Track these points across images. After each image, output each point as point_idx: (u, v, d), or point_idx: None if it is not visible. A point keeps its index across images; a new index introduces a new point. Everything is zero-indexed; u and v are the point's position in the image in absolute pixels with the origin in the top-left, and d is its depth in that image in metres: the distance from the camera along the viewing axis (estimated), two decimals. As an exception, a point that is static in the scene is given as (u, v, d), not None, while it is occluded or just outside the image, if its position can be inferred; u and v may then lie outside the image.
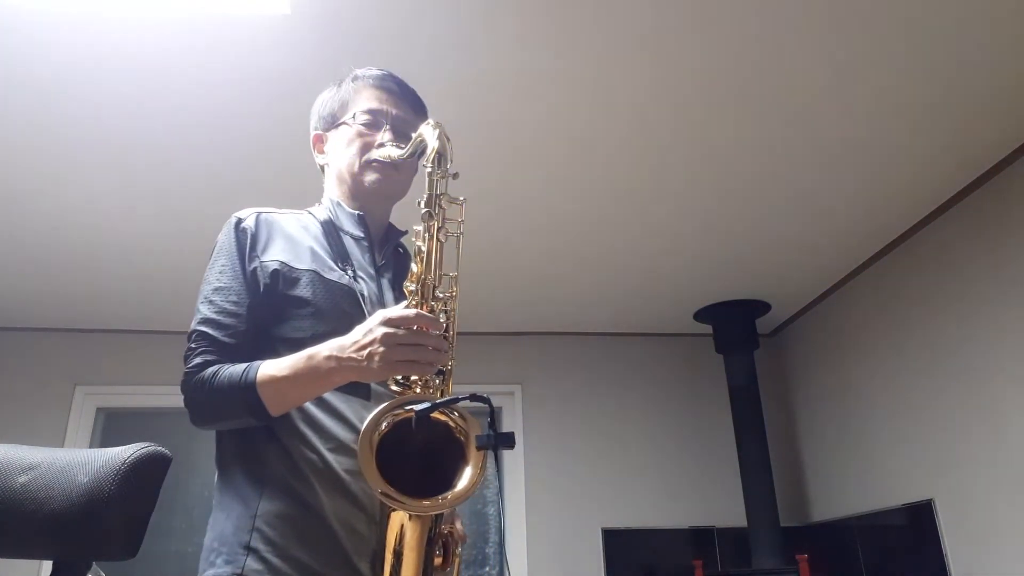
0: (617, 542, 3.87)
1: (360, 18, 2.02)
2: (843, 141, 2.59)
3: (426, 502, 0.98)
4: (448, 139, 1.16)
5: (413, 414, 1.00)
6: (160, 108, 2.34)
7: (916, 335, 3.17)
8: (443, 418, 1.05)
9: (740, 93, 2.34)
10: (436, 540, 1.07)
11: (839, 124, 2.50)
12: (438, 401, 1.03)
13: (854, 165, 2.73)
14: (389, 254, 1.34)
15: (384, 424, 1.02)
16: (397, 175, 1.31)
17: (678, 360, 4.34)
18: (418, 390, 1.10)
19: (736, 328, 3.95)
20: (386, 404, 1.05)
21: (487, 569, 3.86)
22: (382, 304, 1.26)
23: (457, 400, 1.03)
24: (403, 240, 1.40)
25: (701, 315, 4.05)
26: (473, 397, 1.01)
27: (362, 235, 1.30)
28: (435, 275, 1.13)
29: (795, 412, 4.21)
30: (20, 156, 2.55)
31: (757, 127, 2.51)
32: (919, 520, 3.07)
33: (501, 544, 3.88)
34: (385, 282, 1.30)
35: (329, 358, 1.05)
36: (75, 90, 2.25)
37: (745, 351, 3.90)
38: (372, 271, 1.28)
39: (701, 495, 4.03)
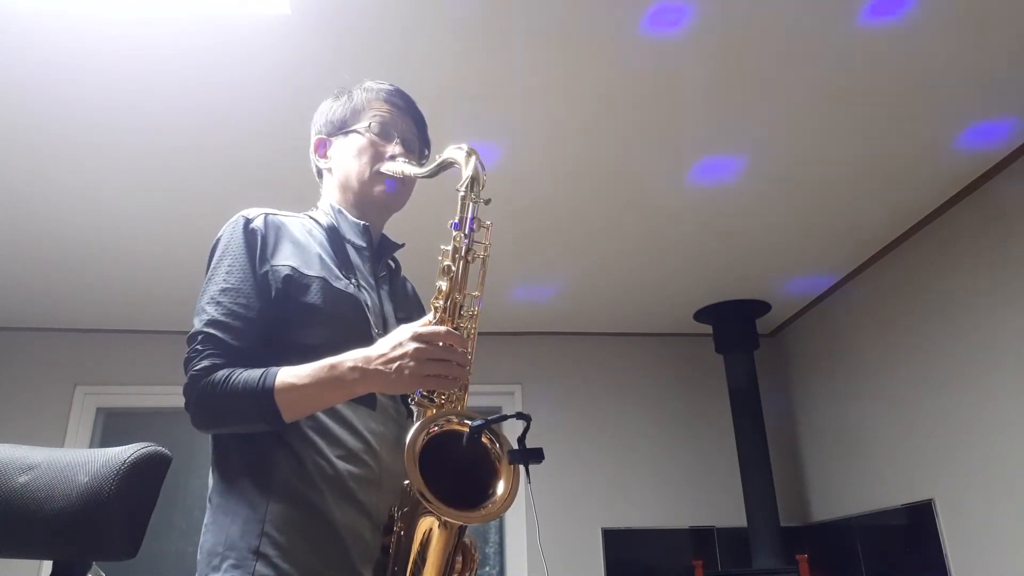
0: (617, 542, 3.87)
1: (360, 18, 2.02)
2: (843, 141, 2.59)
3: (472, 513, 1.02)
4: (483, 167, 1.20)
5: (467, 429, 1.05)
6: (160, 108, 2.34)
7: (916, 335, 3.17)
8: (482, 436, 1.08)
9: (740, 93, 2.34)
10: (458, 548, 1.09)
11: (839, 124, 2.50)
12: (490, 419, 1.06)
13: (854, 165, 2.73)
14: (384, 266, 1.36)
15: (428, 432, 1.04)
16: (404, 188, 1.34)
17: (678, 360, 4.34)
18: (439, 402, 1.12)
19: (736, 328, 3.95)
20: (432, 415, 1.07)
21: (487, 569, 3.86)
22: (383, 314, 1.27)
23: (505, 418, 1.07)
24: (403, 252, 1.41)
25: (701, 315, 4.05)
26: (519, 416, 1.05)
27: (364, 245, 1.31)
28: (462, 295, 1.16)
29: (795, 412, 4.21)
30: (20, 156, 2.55)
31: (757, 127, 2.51)
32: (919, 520, 3.07)
33: (501, 544, 3.88)
34: (384, 293, 1.31)
35: (354, 369, 1.05)
36: (75, 90, 2.25)
37: (745, 351, 3.90)
38: (372, 281, 1.29)
39: (701, 495, 4.03)
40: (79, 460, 1.01)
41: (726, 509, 3.96)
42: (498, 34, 2.09)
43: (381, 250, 1.36)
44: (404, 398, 1.24)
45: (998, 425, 2.69)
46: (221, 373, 1.08)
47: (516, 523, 3.88)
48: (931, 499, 3.01)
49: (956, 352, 2.92)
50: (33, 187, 2.73)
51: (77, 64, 2.14)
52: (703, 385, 4.26)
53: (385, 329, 1.23)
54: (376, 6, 1.98)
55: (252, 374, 1.07)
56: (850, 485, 3.62)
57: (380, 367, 1.04)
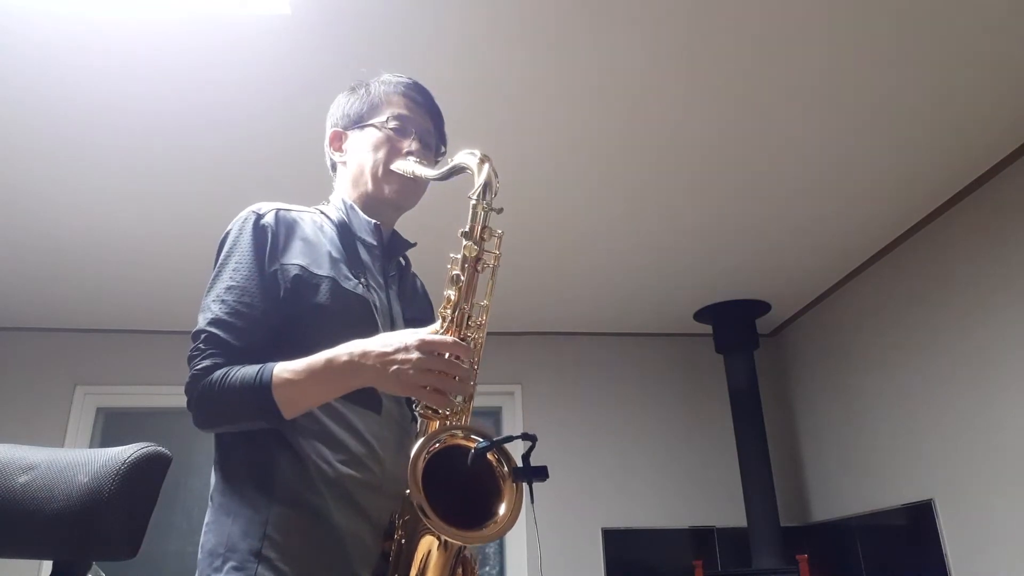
0: (617, 542, 3.87)
1: (360, 19, 2.02)
2: (843, 141, 2.59)
3: (473, 533, 1.01)
4: (496, 175, 1.15)
5: (472, 445, 1.03)
6: (160, 109, 2.34)
7: (915, 335, 3.17)
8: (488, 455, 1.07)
9: (740, 93, 2.34)
10: (459, 562, 1.09)
11: (839, 124, 2.50)
12: (496, 439, 1.04)
13: (854, 165, 2.73)
14: (394, 264, 1.34)
15: (430, 449, 1.03)
16: (416, 188, 1.31)
17: (678, 360, 4.34)
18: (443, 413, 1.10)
19: (736, 328, 3.95)
20: (436, 429, 1.06)
21: (487, 569, 3.86)
22: (391, 315, 1.25)
23: (512, 439, 1.05)
24: (411, 255, 1.40)
25: (701, 315, 4.05)
26: (524, 436, 1.04)
27: (375, 244, 1.29)
28: (469, 304, 1.13)
29: (795, 412, 4.21)
30: (20, 156, 2.55)
31: (757, 127, 2.51)
32: (919, 520, 3.07)
33: (501, 544, 3.88)
34: (393, 293, 1.29)
35: (350, 362, 1.04)
36: (75, 91, 2.24)
37: (745, 351, 3.90)
38: (382, 281, 1.27)
39: (701, 495, 4.03)
40: (79, 460, 1.01)
41: (726, 509, 3.96)
42: (498, 34, 2.09)
43: (392, 248, 1.34)
44: (409, 404, 1.23)
45: (998, 425, 2.69)
46: (220, 372, 1.07)
47: (516, 523, 3.87)
48: (931, 499, 3.01)
49: (956, 352, 2.92)
50: (33, 187, 2.73)
51: (76, 65, 2.14)
52: (703, 385, 4.26)
53: (393, 330, 1.21)
54: (376, 6, 1.98)
55: (249, 370, 1.06)
56: (850, 485, 3.62)
57: (377, 363, 1.03)
